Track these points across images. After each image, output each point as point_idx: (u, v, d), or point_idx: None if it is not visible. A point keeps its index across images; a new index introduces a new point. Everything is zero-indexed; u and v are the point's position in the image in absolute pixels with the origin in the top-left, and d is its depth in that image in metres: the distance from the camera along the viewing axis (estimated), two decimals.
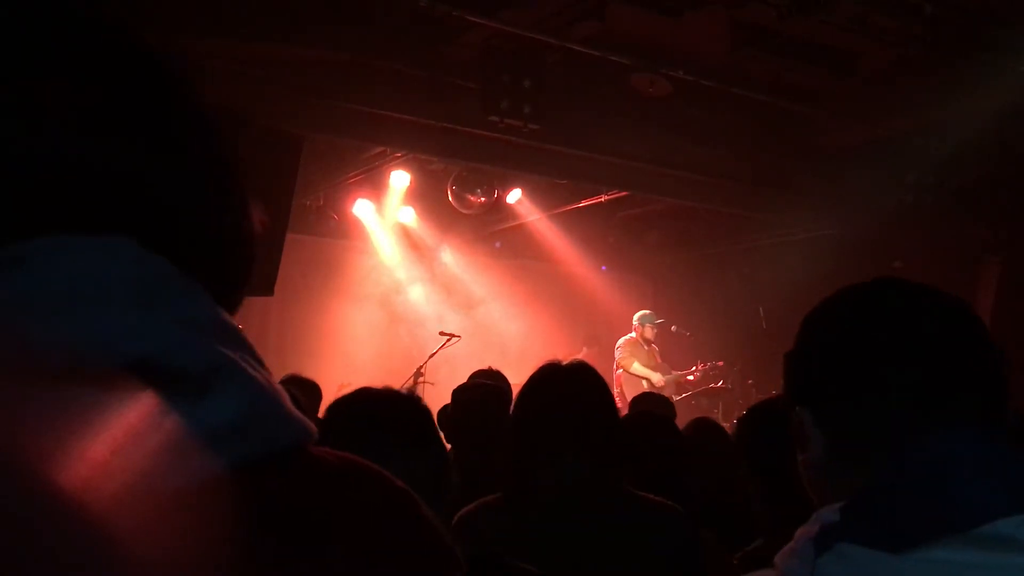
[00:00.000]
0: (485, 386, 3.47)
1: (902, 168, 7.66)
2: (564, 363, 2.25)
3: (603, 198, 9.21)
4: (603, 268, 11.31)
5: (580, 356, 9.28)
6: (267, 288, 6.41)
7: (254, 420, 0.49)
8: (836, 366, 1.06)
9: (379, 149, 8.21)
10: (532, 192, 9.43)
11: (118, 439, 0.43)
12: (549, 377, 2.17)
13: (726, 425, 6.84)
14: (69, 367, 0.44)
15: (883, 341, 1.04)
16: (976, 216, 8.24)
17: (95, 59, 0.51)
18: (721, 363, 9.25)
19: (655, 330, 9.33)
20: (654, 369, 9.12)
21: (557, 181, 8.85)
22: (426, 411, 1.71)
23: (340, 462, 0.56)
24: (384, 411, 1.67)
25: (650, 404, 4.46)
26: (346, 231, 9.92)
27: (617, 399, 2.66)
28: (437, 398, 4.74)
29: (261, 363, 0.53)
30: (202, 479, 0.45)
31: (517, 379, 3.69)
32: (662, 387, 8.89)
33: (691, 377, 9.25)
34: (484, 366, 4.51)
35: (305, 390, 4.40)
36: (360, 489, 0.55)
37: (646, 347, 9.26)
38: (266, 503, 0.49)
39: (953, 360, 1.02)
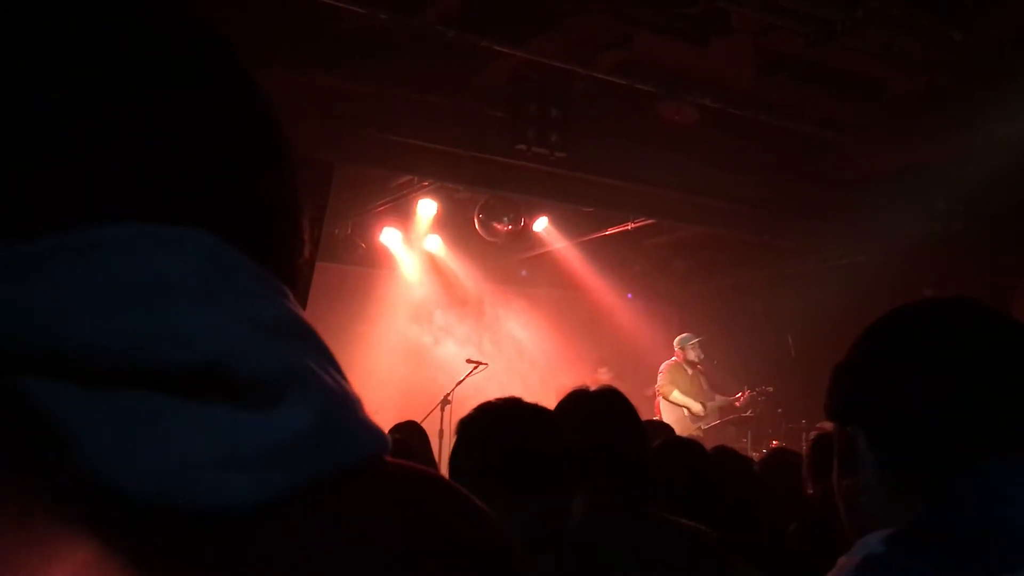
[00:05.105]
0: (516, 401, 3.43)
1: (931, 195, 7.61)
2: (593, 389, 2.25)
3: (629, 226, 9.20)
4: (629, 296, 11.27)
5: (599, 377, 9.24)
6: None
7: (327, 432, 0.46)
8: (903, 389, 0.99)
9: (406, 178, 8.27)
10: (558, 220, 9.43)
11: (178, 451, 0.42)
12: (578, 402, 2.17)
13: (754, 455, 6.78)
14: (127, 366, 0.42)
15: (959, 367, 0.97)
16: (1006, 243, 8.16)
17: (168, 48, 0.50)
18: (771, 388, 8.87)
19: (698, 351, 9.01)
20: (698, 395, 8.85)
21: (583, 209, 8.86)
22: None
23: (418, 476, 0.53)
24: None
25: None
26: (374, 259, 9.97)
27: None
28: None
29: (336, 366, 0.50)
30: (267, 496, 0.43)
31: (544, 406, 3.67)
32: (703, 415, 8.76)
33: (738, 403, 8.93)
34: (509, 394, 4.48)
35: (413, 434, 4.39)
36: (438, 506, 0.52)
37: (690, 371, 8.96)
38: (336, 520, 0.46)
39: None
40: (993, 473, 0.90)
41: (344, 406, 0.48)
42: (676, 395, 8.78)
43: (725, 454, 3.34)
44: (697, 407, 8.75)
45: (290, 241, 0.54)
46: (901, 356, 1.02)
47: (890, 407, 1.00)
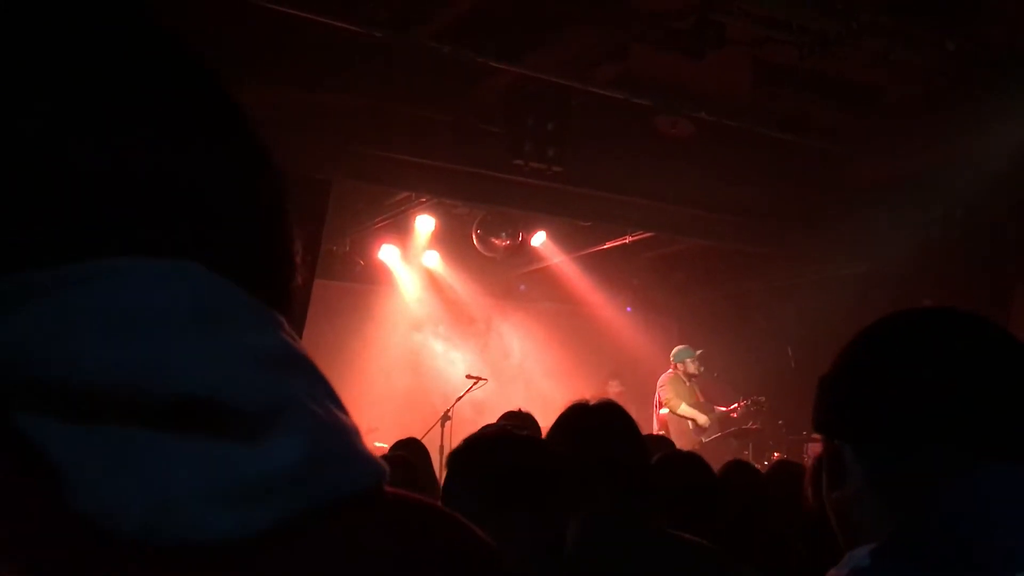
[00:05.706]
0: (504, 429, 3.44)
1: (929, 202, 7.61)
2: (592, 402, 2.24)
3: (627, 239, 9.22)
4: (628, 309, 11.27)
5: (609, 390, 9.26)
6: (295, 334, 6.44)
7: (318, 464, 0.45)
8: (890, 398, 0.98)
9: (404, 194, 8.28)
10: (556, 234, 9.45)
11: (163, 485, 0.41)
12: (578, 416, 2.17)
13: (757, 466, 6.76)
14: (113, 399, 0.41)
15: (945, 376, 0.97)
16: (1005, 248, 8.15)
17: (160, 74, 0.49)
18: (764, 399, 8.92)
19: (696, 363, 9.04)
20: (695, 405, 8.87)
21: (581, 223, 8.88)
22: None
23: (416, 507, 0.52)
24: None
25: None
26: (372, 276, 9.99)
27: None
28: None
29: (332, 396, 0.49)
30: (254, 529, 0.42)
31: (543, 421, 3.67)
32: (707, 426, 8.77)
33: (734, 414, 8.97)
34: (509, 409, 4.48)
35: (414, 451, 4.38)
36: (437, 538, 0.51)
37: (687, 383, 9.00)
38: (329, 551, 0.45)
39: (1019, 403, 0.95)
40: (979, 482, 0.90)
41: (338, 437, 0.48)
42: (684, 408, 8.78)
43: (730, 467, 3.35)
44: (704, 419, 8.76)
45: (288, 243, 0.54)
46: (887, 366, 1.01)
47: (877, 416, 0.99)
